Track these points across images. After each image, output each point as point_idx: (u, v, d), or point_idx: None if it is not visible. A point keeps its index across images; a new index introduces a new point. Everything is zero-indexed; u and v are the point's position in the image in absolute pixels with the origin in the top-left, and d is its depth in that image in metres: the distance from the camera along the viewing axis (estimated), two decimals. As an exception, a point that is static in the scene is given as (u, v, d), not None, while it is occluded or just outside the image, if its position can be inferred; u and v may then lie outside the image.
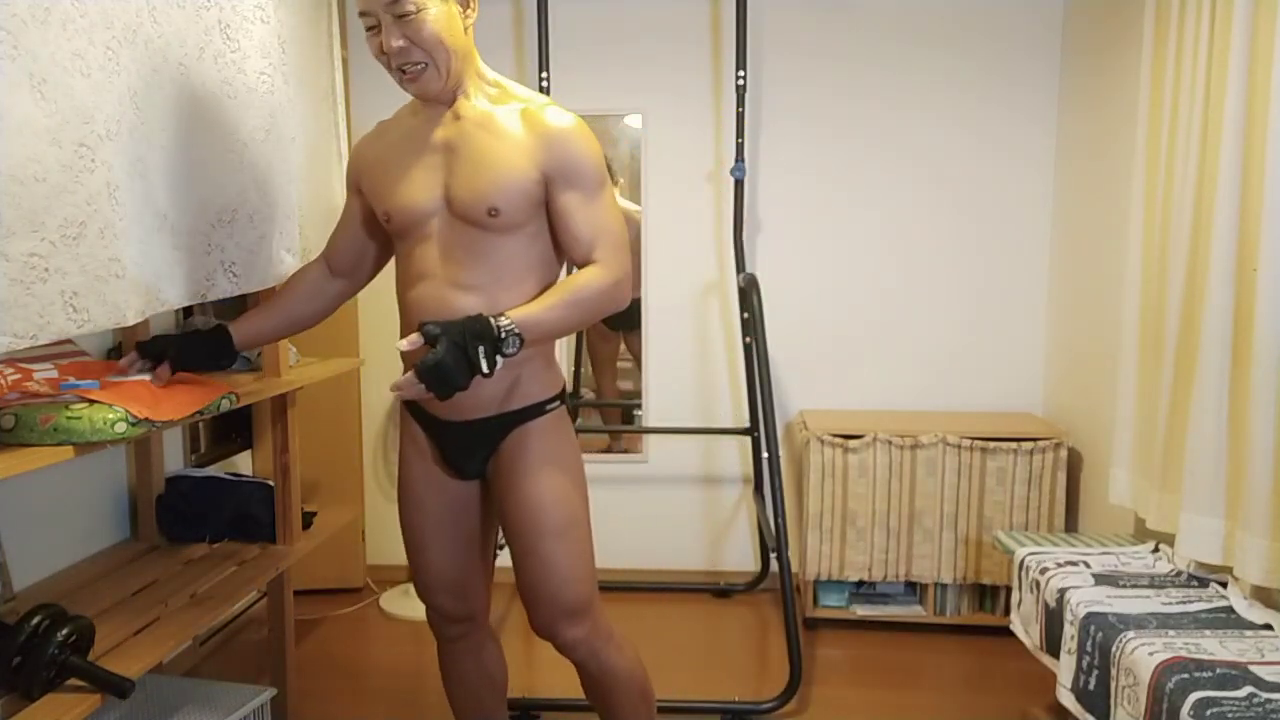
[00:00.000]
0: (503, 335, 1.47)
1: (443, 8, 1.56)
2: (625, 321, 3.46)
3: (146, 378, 1.70)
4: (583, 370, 3.57)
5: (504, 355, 1.48)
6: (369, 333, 3.40)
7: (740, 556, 3.46)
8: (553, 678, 2.75)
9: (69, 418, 1.47)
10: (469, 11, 1.62)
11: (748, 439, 3.33)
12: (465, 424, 1.68)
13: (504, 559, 1.87)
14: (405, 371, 1.47)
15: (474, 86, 1.65)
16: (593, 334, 3.55)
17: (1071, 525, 3.01)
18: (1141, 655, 1.76)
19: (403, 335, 1.59)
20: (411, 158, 1.65)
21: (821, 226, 3.31)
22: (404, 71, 1.58)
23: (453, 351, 1.43)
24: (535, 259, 1.63)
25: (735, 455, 3.43)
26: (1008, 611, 2.48)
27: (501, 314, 1.50)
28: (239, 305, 2.98)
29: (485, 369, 1.46)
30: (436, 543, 1.79)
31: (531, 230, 1.61)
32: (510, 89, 1.67)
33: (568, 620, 1.68)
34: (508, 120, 1.60)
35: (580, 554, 1.68)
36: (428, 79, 1.58)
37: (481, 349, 1.45)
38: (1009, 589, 2.83)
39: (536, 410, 1.68)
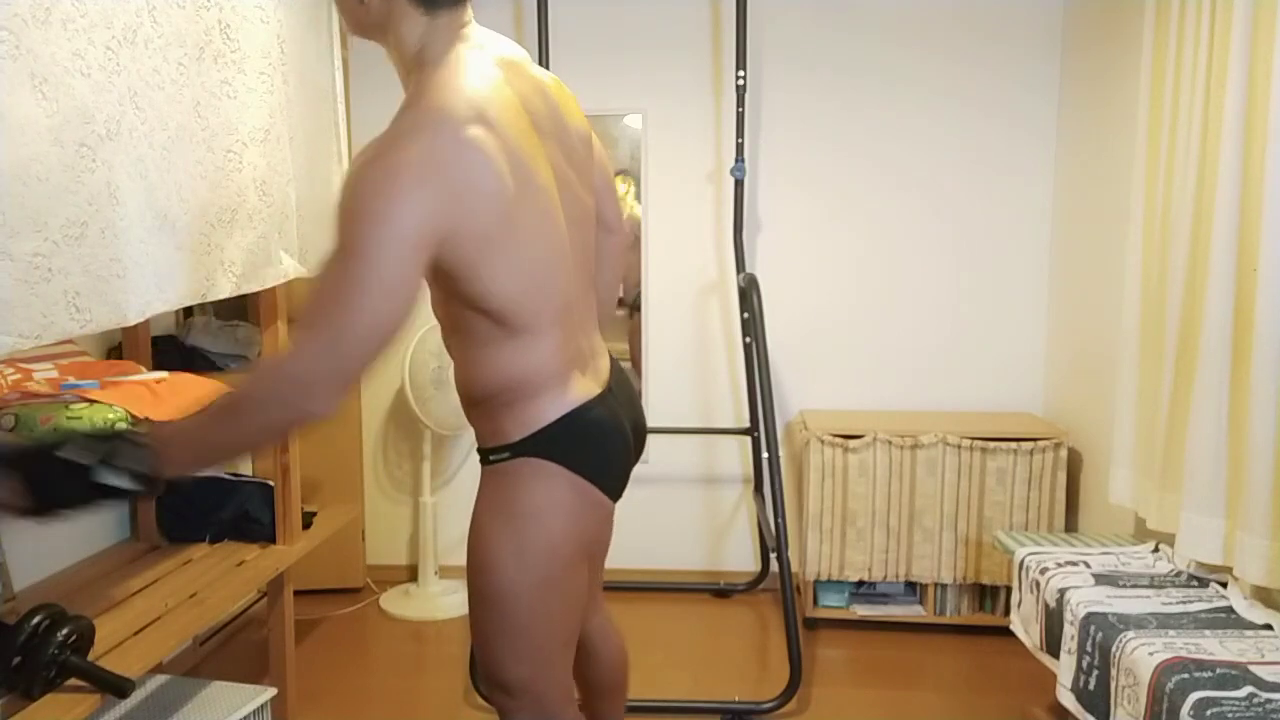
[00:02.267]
0: (117, 449, 1.15)
1: None
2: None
3: (150, 378, 1.70)
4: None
5: (112, 471, 1.15)
6: (369, 333, 3.40)
7: (740, 556, 3.46)
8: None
9: (69, 418, 1.47)
10: None
11: (748, 439, 3.33)
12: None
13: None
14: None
15: (407, 77, 1.32)
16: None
17: (1071, 525, 3.01)
18: (1141, 655, 1.76)
19: None
20: None
21: (822, 226, 3.31)
22: None
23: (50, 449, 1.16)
24: (448, 313, 1.34)
25: (735, 455, 3.43)
26: (1008, 611, 2.48)
27: (148, 431, 1.22)
28: (239, 305, 2.98)
29: (116, 480, 1.15)
30: None
31: (438, 285, 1.30)
32: (422, 88, 1.25)
33: (498, 691, 1.46)
34: None
35: (514, 631, 1.39)
36: (344, 9, 1.34)
37: (90, 463, 1.14)
38: (1009, 589, 2.83)
39: (482, 458, 1.41)
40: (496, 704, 1.47)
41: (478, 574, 1.39)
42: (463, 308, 1.28)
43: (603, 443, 1.43)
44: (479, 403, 1.39)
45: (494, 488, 1.39)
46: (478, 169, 1.19)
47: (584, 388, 1.40)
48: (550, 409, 1.36)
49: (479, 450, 1.42)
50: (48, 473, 1.15)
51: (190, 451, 1.19)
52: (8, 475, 1.14)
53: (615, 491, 1.46)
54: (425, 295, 1.28)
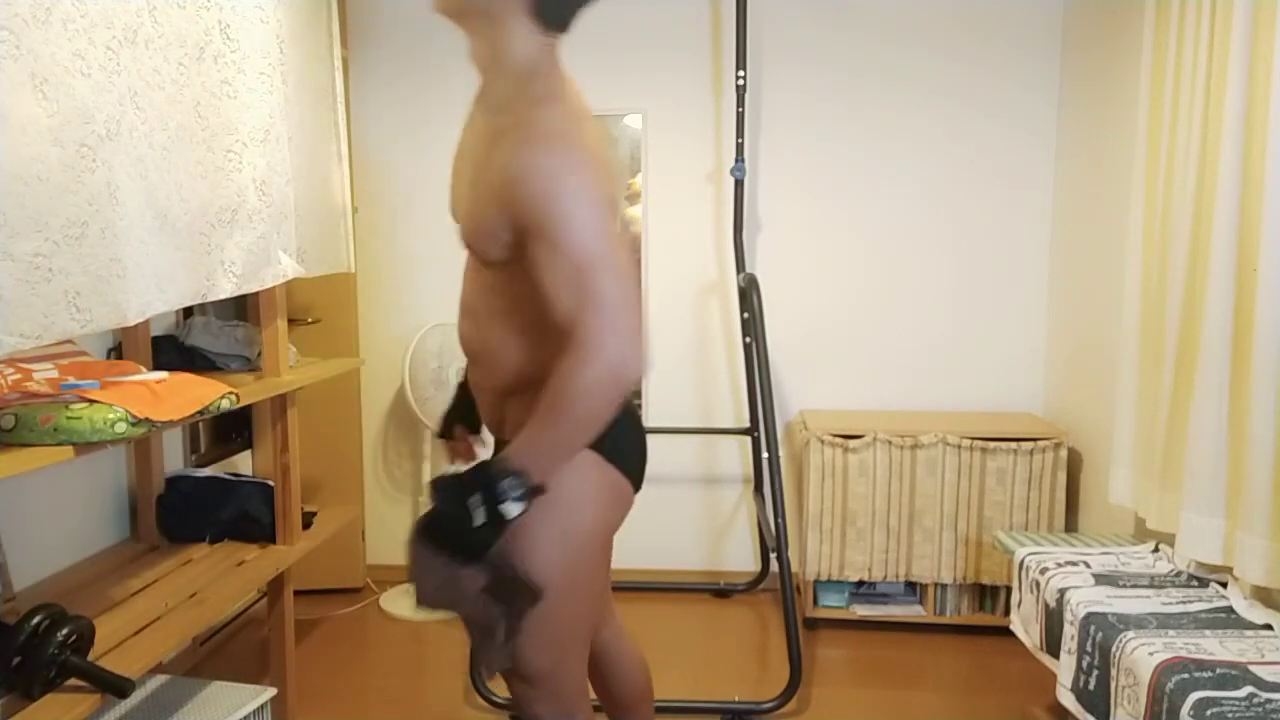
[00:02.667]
0: (498, 483, 1.24)
1: None
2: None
3: (150, 378, 1.70)
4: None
5: (510, 504, 1.24)
6: (369, 333, 3.40)
7: (740, 556, 3.46)
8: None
9: (69, 418, 1.47)
10: None
11: (748, 439, 3.33)
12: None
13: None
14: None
15: (499, 77, 1.36)
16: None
17: (1071, 525, 3.01)
18: (1141, 655, 1.76)
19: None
20: (460, 154, 1.47)
21: (821, 226, 3.31)
22: None
23: (445, 507, 1.27)
24: (516, 299, 1.37)
25: (735, 455, 3.43)
26: (1008, 611, 2.48)
27: (503, 458, 1.28)
28: (239, 305, 2.98)
29: (479, 521, 1.24)
30: None
31: (515, 269, 1.33)
32: (531, 97, 1.33)
33: (516, 679, 1.48)
34: (491, 140, 1.33)
35: (541, 618, 1.38)
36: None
37: (476, 502, 1.24)
38: (1009, 589, 2.83)
39: None
40: (515, 694, 1.49)
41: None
42: (535, 291, 1.29)
43: (633, 435, 1.48)
44: (521, 392, 1.41)
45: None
46: (610, 168, 1.33)
47: None
48: None
49: (510, 441, 1.41)
50: (459, 539, 1.26)
51: (549, 460, 1.28)
52: (436, 555, 1.27)
53: (639, 485, 1.49)
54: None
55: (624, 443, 1.44)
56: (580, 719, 1.51)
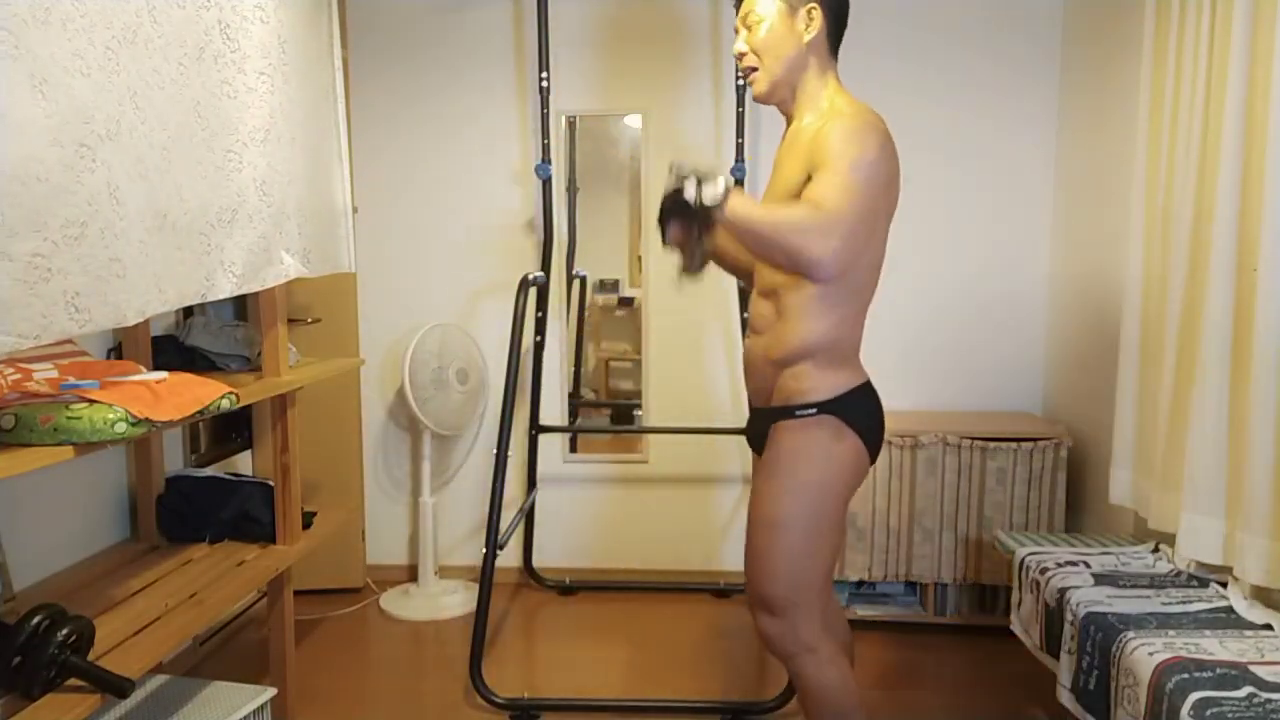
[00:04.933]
0: (711, 180, 1.59)
1: (780, 20, 1.74)
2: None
3: (150, 378, 1.70)
4: (583, 370, 3.57)
5: (708, 189, 1.58)
6: (369, 333, 3.40)
7: (740, 556, 3.44)
8: (553, 678, 2.75)
9: (69, 418, 1.47)
10: (809, 26, 1.74)
11: (748, 439, 3.33)
12: (754, 411, 1.90)
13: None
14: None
15: (807, 104, 1.78)
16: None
17: (1072, 525, 3.01)
18: (1141, 655, 1.76)
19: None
20: (772, 175, 1.87)
21: (821, 226, 3.30)
22: (744, 75, 1.84)
23: (675, 181, 1.62)
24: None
25: (735, 455, 3.42)
26: (1008, 611, 2.48)
27: (729, 183, 1.61)
28: (239, 305, 2.98)
29: (688, 193, 1.59)
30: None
31: None
32: (837, 106, 1.74)
33: (761, 610, 1.77)
34: (805, 135, 1.72)
35: (783, 553, 1.72)
36: (757, 81, 1.79)
37: (691, 182, 1.60)
38: (1009, 589, 2.82)
39: (785, 412, 1.75)
40: (761, 627, 1.78)
41: (768, 497, 1.74)
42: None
43: (878, 414, 1.80)
44: (795, 362, 1.74)
45: (797, 436, 1.73)
46: (896, 154, 1.71)
47: (862, 366, 1.81)
48: (852, 377, 1.76)
49: (779, 409, 1.76)
50: (673, 202, 1.64)
51: (739, 220, 1.60)
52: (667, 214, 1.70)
53: (875, 455, 1.79)
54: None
55: (862, 411, 1.76)
56: (822, 651, 1.75)
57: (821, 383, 1.72)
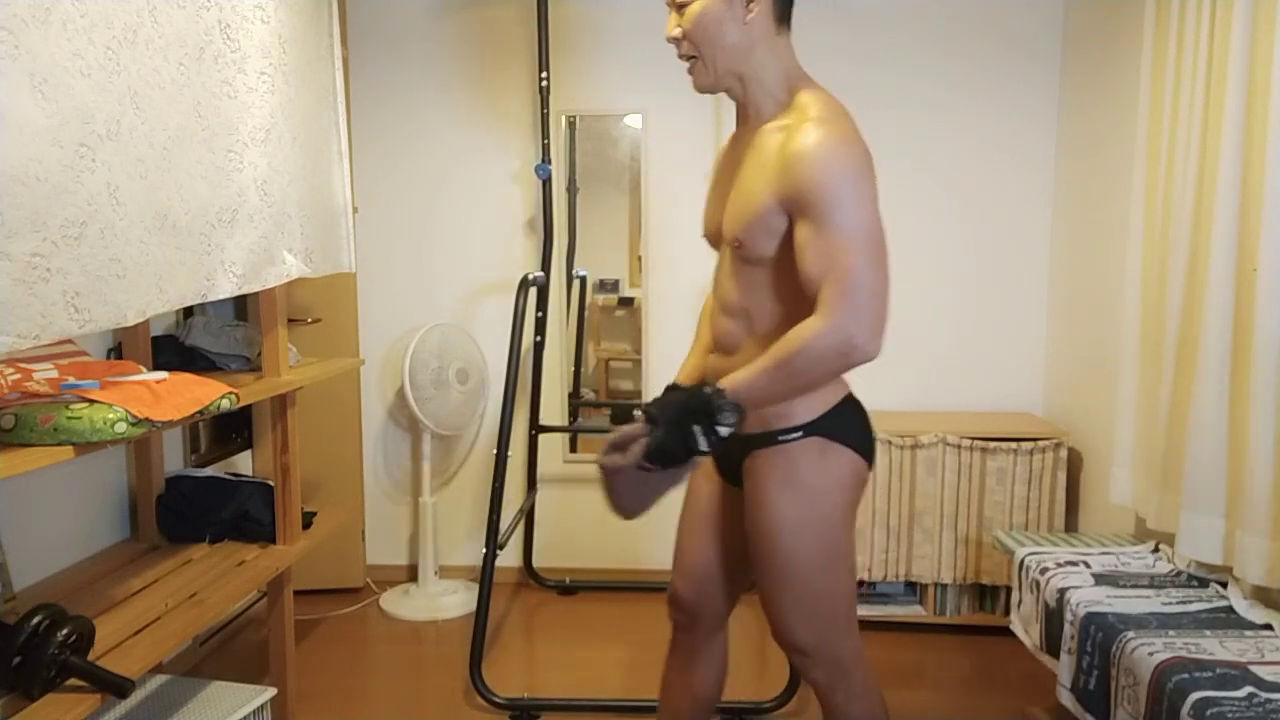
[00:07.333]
0: (718, 410, 1.40)
1: (715, 2, 1.51)
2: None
3: (150, 378, 1.70)
4: (583, 370, 3.57)
5: (723, 427, 1.40)
6: (369, 333, 3.40)
7: (740, 556, 3.45)
8: (553, 678, 2.75)
9: (69, 418, 1.47)
10: (750, 8, 1.53)
11: (748, 439, 3.33)
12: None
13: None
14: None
15: (763, 95, 1.56)
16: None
17: (1072, 525, 3.01)
18: (1141, 655, 1.76)
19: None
20: (719, 176, 1.66)
21: (821, 226, 3.30)
22: (684, 62, 1.58)
23: (671, 433, 1.40)
24: (791, 291, 1.48)
25: (735, 455, 3.42)
26: (1008, 611, 2.48)
27: (718, 386, 1.43)
28: (239, 305, 2.98)
29: (703, 447, 1.40)
30: (690, 526, 1.88)
31: (784, 262, 1.47)
32: (799, 104, 1.51)
33: (793, 653, 1.67)
34: (770, 142, 1.49)
35: (798, 600, 1.59)
36: (697, 73, 1.57)
37: (698, 429, 1.39)
38: (1009, 589, 2.83)
39: (765, 439, 1.56)
40: (794, 663, 1.69)
41: (766, 542, 1.57)
42: (795, 276, 1.44)
43: (867, 422, 1.64)
44: None
45: (786, 465, 1.55)
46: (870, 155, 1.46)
47: (843, 378, 1.60)
48: (833, 392, 1.58)
49: (756, 435, 1.56)
50: (679, 457, 1.41)
51: (758, 399, 1.43)
52: (651, 432, 1.40)
53: (872, 460, 1.64)
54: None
55: (850, 424, 1.59)
56: (856, 678, 1.66)
57: (803, 402, 1.53)
